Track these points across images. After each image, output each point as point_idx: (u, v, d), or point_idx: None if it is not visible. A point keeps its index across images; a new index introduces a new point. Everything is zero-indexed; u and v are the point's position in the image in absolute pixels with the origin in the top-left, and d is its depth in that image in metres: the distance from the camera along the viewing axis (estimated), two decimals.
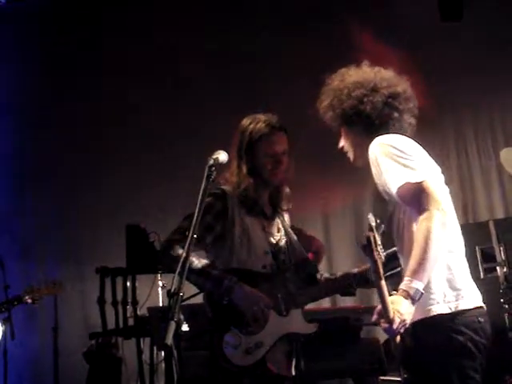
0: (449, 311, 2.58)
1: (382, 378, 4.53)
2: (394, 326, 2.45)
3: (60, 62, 6.81)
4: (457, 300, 2.61)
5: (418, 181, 2.58)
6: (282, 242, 3.38)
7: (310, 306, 5.44)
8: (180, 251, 3.06)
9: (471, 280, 2.72)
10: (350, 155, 2.97)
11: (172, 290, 2.32)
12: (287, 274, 3.28)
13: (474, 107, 7.01)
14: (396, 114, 2.86)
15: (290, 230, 3.48)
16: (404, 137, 2.79)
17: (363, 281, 3.25)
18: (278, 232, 3.40)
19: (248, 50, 6.68)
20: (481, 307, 2.67)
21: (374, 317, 2.56)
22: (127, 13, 6.93)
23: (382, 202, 2.75)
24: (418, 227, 2.55)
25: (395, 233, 2.73)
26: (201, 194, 2.65)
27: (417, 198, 2.58)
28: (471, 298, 2.65)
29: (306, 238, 5.38)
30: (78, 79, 6.77)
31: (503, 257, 5.41)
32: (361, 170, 2.87)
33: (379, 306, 2.52)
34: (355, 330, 4.50)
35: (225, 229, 3.22)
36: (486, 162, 6.92)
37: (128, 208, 6.05)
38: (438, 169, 2.78)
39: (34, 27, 6.85)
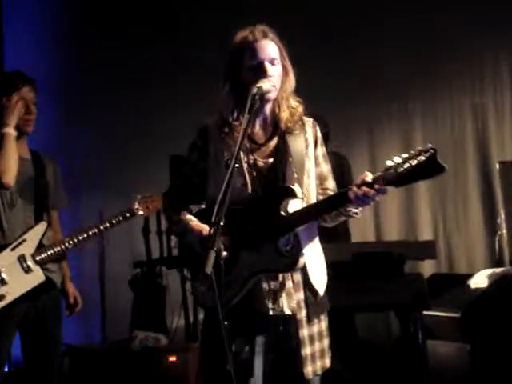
0: None
1: (425, 312, 4.50)
2: None
3: None
4: None
5: None
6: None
7: (354, 240, 5.46)
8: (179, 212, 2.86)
9: None
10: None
11: (213, 219, 2.29)
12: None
13: None
14: None
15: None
16: None
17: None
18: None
19: None
20: None
21: None
22: None
23: None
24: None
25: None
26: (243, 126, 2.52)
27: None
28: None
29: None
30: None
31: None
32: None
33: None
34: (398, 264, 4.45)
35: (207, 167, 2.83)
36: None
37: (178, 141, 6.00)
38: None
39: None
